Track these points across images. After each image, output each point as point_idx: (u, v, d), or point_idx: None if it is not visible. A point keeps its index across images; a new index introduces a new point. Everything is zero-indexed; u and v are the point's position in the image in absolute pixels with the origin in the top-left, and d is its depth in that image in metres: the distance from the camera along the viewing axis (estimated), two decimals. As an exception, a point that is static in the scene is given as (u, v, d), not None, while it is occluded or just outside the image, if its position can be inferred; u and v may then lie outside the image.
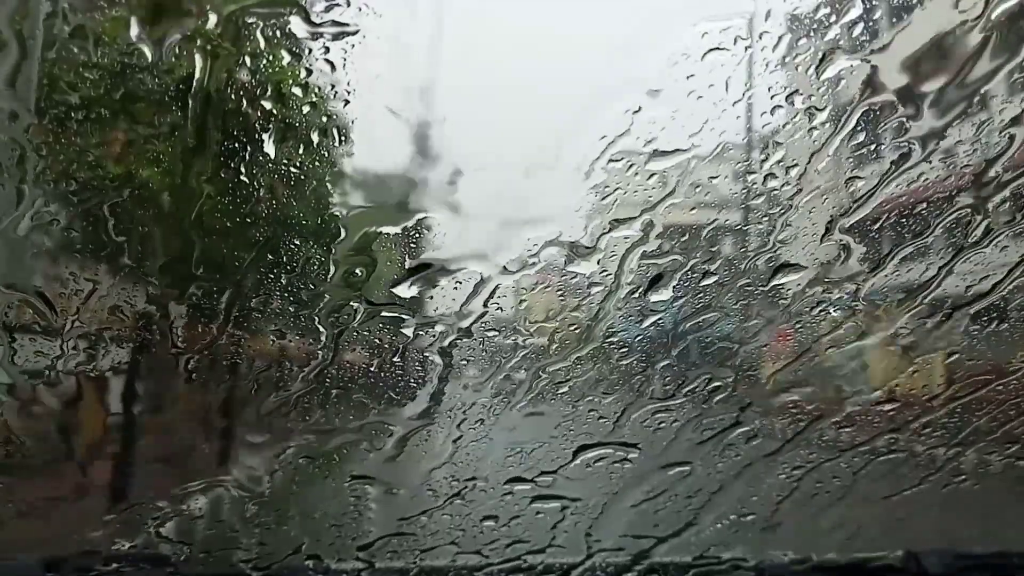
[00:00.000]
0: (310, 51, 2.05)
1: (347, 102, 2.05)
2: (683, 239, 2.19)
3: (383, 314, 2.13)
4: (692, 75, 1.97)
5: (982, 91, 1.83)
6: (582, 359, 2.26)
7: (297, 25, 1.96)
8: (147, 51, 2.01)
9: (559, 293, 2.28)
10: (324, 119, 2.15)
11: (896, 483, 2.07)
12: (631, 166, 2.14)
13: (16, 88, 1.78)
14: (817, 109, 1.94)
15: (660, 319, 2.23)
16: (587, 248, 2.15)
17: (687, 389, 2.19)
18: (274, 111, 2.11)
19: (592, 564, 1.93)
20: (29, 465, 2.13)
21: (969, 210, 1.90)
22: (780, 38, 1.95)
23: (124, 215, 1.99)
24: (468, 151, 2.36)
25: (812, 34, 1.94)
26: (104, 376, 2.11)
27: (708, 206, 2.14)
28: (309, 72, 2.06)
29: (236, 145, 2.06)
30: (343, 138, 2.21)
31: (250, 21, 2.06)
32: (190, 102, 2.00)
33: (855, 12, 1.93)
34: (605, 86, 2.15)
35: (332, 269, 2.07)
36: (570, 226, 2.12)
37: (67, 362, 2.02)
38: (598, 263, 2.16)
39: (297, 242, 2.15)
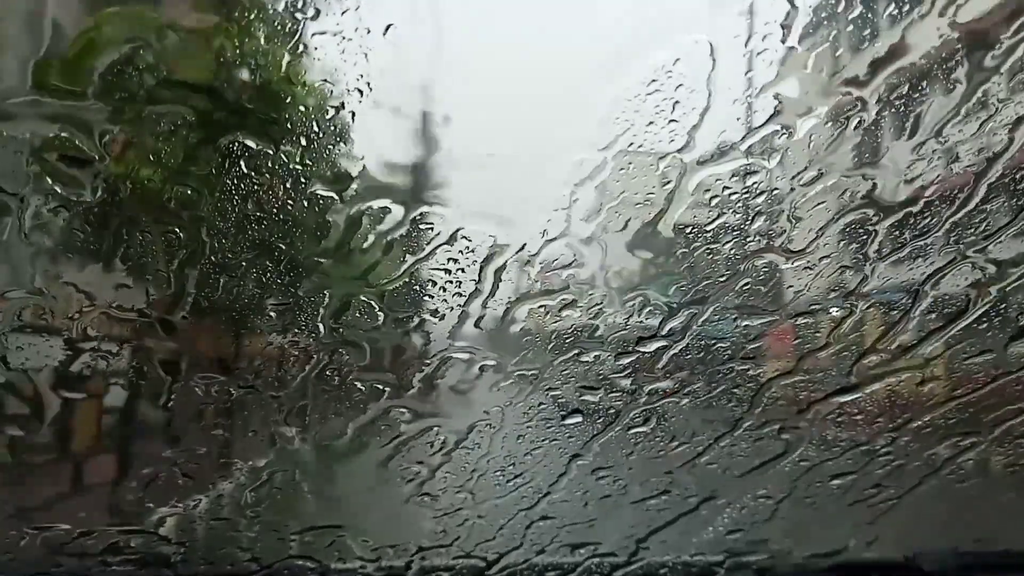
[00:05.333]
0: (310, 49, 2.05)
1: (343, 105, 2.04)
2: (683, 239, 2.19)
3: (382, 313, 2.13)
4: (691, 75, 1.97)
5: (983, 90, 1.83)
6: (581, 357, 2.25)
7: (296, 25, 1.96)
8: (146, 48, 2.01)
9: (559, 292, 2.28)
10: (324, 119, 2.15)
11: (896, 483, 2.07)
12: (631, 165, 2.14)
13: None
14: (817, 109, 1.94)
15: (660, 319, 2.22)
16: (587, 247, 2.15)
17: (687, 388, 2.19)
18: (273, 110, 2.11)
19: (592, 564, 1.94)
20: (28, 465, 2.14)
21: (969, 209, 1.90)
22: (780, 39, 1.95)
23: (123, 214, 1.99)
24: (467, 150, 2.36)
25: (812, 34, 1.93)
26: (103, 375, 2.11)
27: (708, 206, 2.14)
28: (308, 71, 2.06)
29: (235, 145, 2.05)
30: (342, 138, 2.21)
31: (250, 20, 2.05)
32: (189, 101, 2.00)
33: (855, 12, 1.93)
34: (604, 86, 2.15)
35: (331, 269, 2.07)
36: (570, 225, 2.12)
37: (67, 361, 2.03)
38: (598, 262, 2.16)
39: (296, 242, 2.15)
